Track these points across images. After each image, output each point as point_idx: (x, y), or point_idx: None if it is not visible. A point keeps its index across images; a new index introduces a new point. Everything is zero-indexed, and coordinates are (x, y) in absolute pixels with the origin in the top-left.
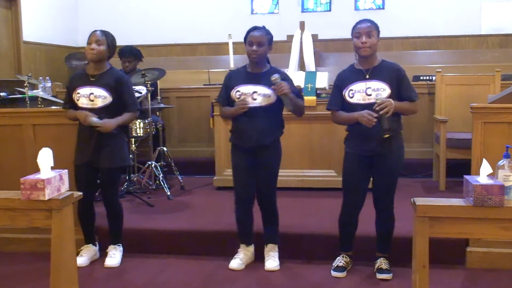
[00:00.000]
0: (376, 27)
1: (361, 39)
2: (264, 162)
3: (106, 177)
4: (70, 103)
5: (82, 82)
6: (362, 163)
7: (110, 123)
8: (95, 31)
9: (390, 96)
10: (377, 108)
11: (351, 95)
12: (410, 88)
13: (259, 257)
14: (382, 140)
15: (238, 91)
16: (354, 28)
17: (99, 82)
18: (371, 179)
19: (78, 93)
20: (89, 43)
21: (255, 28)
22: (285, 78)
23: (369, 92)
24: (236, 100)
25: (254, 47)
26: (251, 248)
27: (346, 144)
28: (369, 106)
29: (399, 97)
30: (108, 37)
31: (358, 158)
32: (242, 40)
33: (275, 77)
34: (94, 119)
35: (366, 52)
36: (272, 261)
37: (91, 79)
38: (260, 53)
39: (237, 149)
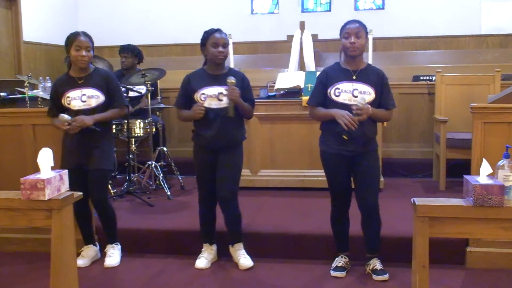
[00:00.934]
0: (364, 28)
1: (350, 39)
2: (227, 163)
3: (94, 178)
4: (55, 110)
5: (69, 86)
6: (343, 163)
7: (85, 118)
8: (79, 35)
9: (373, 100)
10: (355, 110)
11: (337, 94)
12: (390, 96)
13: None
14: (358, 144)
15: (203, 93)
16: (343, 28)
17: (89, 82)
18: (352, 179)
19: (68, 97)
20: (76, 49)
21: (216, 30)
22: (242, 79)
23: (356, 93)
24: (200, 102)
25: (221, 48)
26: (214, 247)
27: (323, 143)
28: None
29: (379, 103)
30: (91, 39)
31: (339, 158)
32: (242, 40)
33: (231, 79)
34: (64, 116)
35: (354, 53)
36: (244, 259)
37: (79, 81)
38: (226, 54)
39: (199, 149)
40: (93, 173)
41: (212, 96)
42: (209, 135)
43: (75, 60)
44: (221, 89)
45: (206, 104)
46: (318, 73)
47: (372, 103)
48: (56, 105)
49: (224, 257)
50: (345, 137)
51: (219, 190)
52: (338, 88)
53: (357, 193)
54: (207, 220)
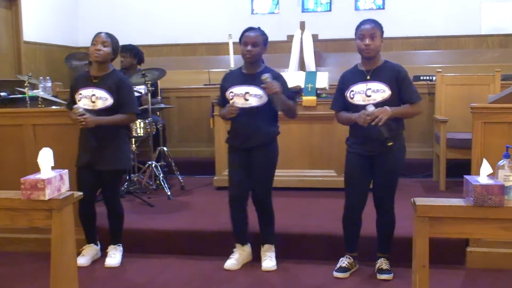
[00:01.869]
0: (380, 27)
1: (365, 41)
2: (259, 162)
3: (107, 179)
4: (72, 104)
5: (85, 83)
6: (363, 163)
7: (92, 118)
8: (100, 32)
9: (390, 97)
10: (368, 120)
11: (351, 96)
12: (411, 89)
13: (257, 257)
14: (386, 145)
15: (231, 92)
16: (357, 28)
17: (102, 84)
18: (372, 179)
19: (81, 93)
20: (94, 43)
21: (250, 29)
22: (278, 78)
23: (369, 93)
24: (230, 100)
25: (249, 47)
26: (247, 247)
27: (347, 144)
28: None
29: (400, 98)
30: (113, 40)
31: (359, 158)
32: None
33: (265, 76)
34: (78, 107)
35: (369, 54)
36: (268, 261)
37: (94, 80)
38: (255, 54)
39: (232, 149)
40: (106, 174)
41: (239, 95)
42: (238, 135)
43: (91, 54)
44: (249, 89)
45: (234, 104)
46: (318, 73)
47: (389, 100)
48: (73, 99)
49: (223, 256)
50: (389, 143)
51: (253, 191)
52: (352, 91)
53: (375, 192)
54: (237, 220)
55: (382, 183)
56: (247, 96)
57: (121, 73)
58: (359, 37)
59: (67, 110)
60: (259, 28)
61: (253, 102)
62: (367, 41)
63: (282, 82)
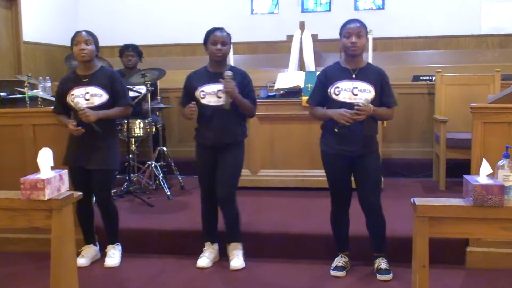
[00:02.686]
0: (365, 27)
1: (351, 39)
2: (227, 161)
3: (98, 179)
4: (60, 108)
5: (74, 83)
6: (344, 163)
7: (89, 114)
8: (79, 31)
9: (374, 99)
10: (357, 109)
11: (337, 93)
12: (391, 93)
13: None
14: (359, 144)
15: (202, 91)
16: (343, 27)
17: (93, 81)
18: (353, 179)
19: (73, 94)
20: (76, 44)
21: (216, 29)
22: (243, 75)
23: (356, 92)
24: (201, 100)
25: (219, 46)
26: (216, 246)
27: (324, 143)
28: (354, 105)
29: (380, 101)
30: (94, 36)
31: (339, 158)
32: (242, 40)
33: (227, 73)
34: (79, 102)
35: (355, 52)
36: (236, 260)
37: (84, 79)
38: (225, 52)
39: (201, 147)
40: (97, 173)
41: (211, 94)
42: (208, 133)
43: (76, 55)
44: (220, 87)
45: (205, 101)
46: (318, 73)
47: (373, 102)
48: (61, 103)
49: (225, 256)
50: (336, 130)
51: (218, 189)
52: (338, 87)
53: (360, 193)
54: (208, 219)
55: (367, 184)
56: (219, 93)
57: (110, 68)
58: (345, 36)
59: (54, 114)
60: (223, 28)
61: (224, 98)
62: (354, 39)
63: (248, 80)
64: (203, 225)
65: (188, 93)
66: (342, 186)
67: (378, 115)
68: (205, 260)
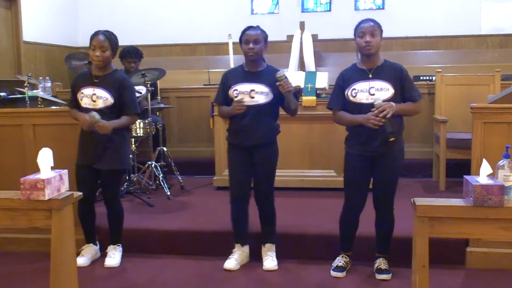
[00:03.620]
0: (379, 26)
1: (365, 38)
2: (262, 160)
3: (107, 179)
4: (74, 102)
5: (86, 82)
6: (363, 164)
7: (107, 126)
8: (98, 34)
9: (393, 96)
10: (376, 112)
11: (354, 94)
12: (412, 87)
13: (255, 257)
14: (386, 142)
15: (235, 89)
16: (357, 27)
17: (102, 83)
18: (372, 179)
19: (82, 93)
20: (92, 48)
21: (250, 27)
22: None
23: (372, 91)
24: (234, 98)
25: (251, 45)
26: (246, 248)
27: (347, 144)
28: (372, 105)
29: (402, 97)
30: (112, 40)
31: (359, 159)
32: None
33: (280, 73)
34: (95, 114)
35: (370, 51)
36: (270, 261)
37: (95, 80)
38: (257, 51)
39: (234, 148)
40: (106, 174)
41: (244, 93)
42: (240, 133)
43: (91, 59)
44: (254, 86)
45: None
46: (318, 73)
47: (392, 99)
48: (75, 98)
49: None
50: (391, 138)
51: (255, 190)
52: (354, 89)
53: (375, 193)
54: (239, 220)
55: (383, 184)
56: (252, 93)
57: (123, 73)
58: (359, 35)
59: (68, 109)
60: (258, 26)
61: (260, 99)
62: (368, 38)
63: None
64: (234, 226)
65: (225, 90)
66: (360, 187)
67: (403, 111)
68: (233, 262)
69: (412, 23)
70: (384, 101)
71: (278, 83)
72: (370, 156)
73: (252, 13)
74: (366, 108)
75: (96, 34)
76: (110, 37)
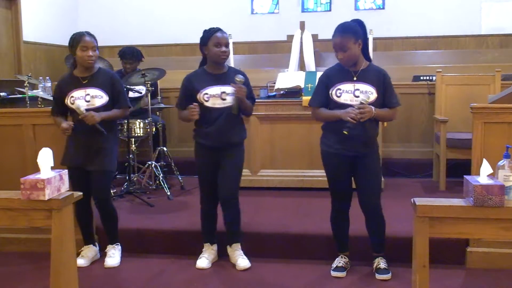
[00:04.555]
0: (351, 35)
1: (338, 55)
2: (230, 162)
3: (97, 180)
4: (57, 110)
5: (74, 85)
6: (345, 163)
7: (94, 116)
8: (84, 35)
9: (376, 100)
10: (356, 108)
11: (338, 94)
12: (392, 94)
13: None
14: (360, 144)
15: (206, 93)
16: (332, 38)
17: (93, 82)
18: (353, 180)
19: (72, 96)
20: (83, 49)
21: (218, 30)
22: (246, 78)
23: (357, 94)
24: (205, 103)
25: (224, 48)
26: (215, 246)
27: (325, 143)
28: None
29: (382, 102)
30: (96, 40)
31: (340, 158)
32: (242, 40)
33: (240, 78)
34: (79, 106)
35: (346, 65)
36: (242, 260)
37: (83, 81)
38: (228, 54)
39: (202, 148)
40: (96, 174)
41: (216, 96)
42: (212, 134)
43: (82, 60)
44: (224, 88)
45: (209, 104)
46: (318, 73)
47: (375, 103)
48: (58, 105)
49: (224, 257)
50: (345, 132)
51: (220, 190)
52: (339, 89)
53: (360, 194)
54: (208, 220)
55: (368, 184)
56: (223, 95)
57: (109, 70)
58: (334, 49)
59: (52, 117)
60: (221, 28)
61: (230, 101)
62: (340, 56)
63: (248, 81)
64: (202, 226)
65: (188, 95)
66: (343, 186)
67: (380, 116)
68: (204, 260)
69: (412, 23)
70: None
71: (233, 85)
72: (349, 155)
73: (252, 13)
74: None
75: (82, 35)
76: (94, 36)
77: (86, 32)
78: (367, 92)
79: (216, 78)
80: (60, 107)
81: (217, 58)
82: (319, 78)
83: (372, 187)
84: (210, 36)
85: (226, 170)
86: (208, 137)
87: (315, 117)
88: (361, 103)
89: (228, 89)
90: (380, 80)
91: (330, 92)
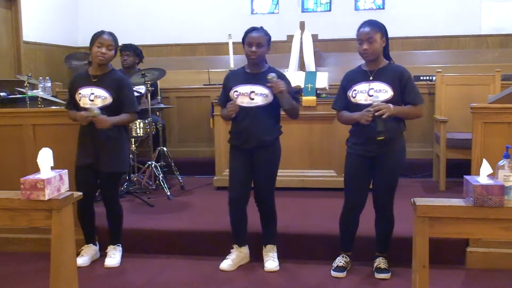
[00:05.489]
0: (379, 29)
1: (362, 46)
2: (263, 162)
3: (106, 180)
4: (72, 104)
5: (84, 82)
6: (363, 164)
7: (106, 119)
8: (104, 33)
9: (392, 98)
10: (371, 110)
11: (354, 95)
12: (414, 91)
13: (256, 258)
14: (377, 142)
15: (236, 91)
16: (357, 32)
17: (101, 83)
18: (371, 179)
19: (80, 93)
20: (98, 46)
21: (254, 29)
22: (282, 78)
23: (371, 93)
24: (234, 99)
25: (253, 48)
26: (245, 249)
27: (347, 145)
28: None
29: (403, 99)
30: (116, 41)
31: (359, 159)
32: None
33: (271, 75)
34: (94, 108)
35: (367, 58)
36: (271, 262)
37: (93, 79)
38: (259, 54)
39: (235, 150)
40: (105, 175)
41: (244, 94)
42: (240, 135)
43: (94, 56)
44: (254, 88)
45: (237, 102)
46: (318, 73)
47: (391, 101)
48: (72, 99)
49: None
50: (378, 138)
51: (256, 191)
52: (355, 90)
53: (374, 193)
54: (240, 221)
55: (382, 184)
56: (252, 95)
57: (120, 72)
58: (358, 41)
59: (66, 110)
60: (262, 28)
61: (259, 101)
62: (365, 46)
63: (287, 82)
64: (232, 228)
65: (226, 92)
66: (360, 187)
67: (401, 113)
68: (228, 262)
69: (412, 23)
70: (382, 102)
71: (269, 84)
72: (370, 156)
73: (252, 13)
74: (364, 108)
75: (102, 32)
76: (115, 38)
77: (108, 31)
78: (381, 91)
79: (249, 77)
80: (74, 102)
81: (247, 57)
82: (341, 81)
83: (387, 188)
84: (245, 36)
85: (261, 170)
86: (237, 137)
87: (339, 119)
88: (375, 101)
89: (258, 88)
90: (396, 78)
91: (348, 93)
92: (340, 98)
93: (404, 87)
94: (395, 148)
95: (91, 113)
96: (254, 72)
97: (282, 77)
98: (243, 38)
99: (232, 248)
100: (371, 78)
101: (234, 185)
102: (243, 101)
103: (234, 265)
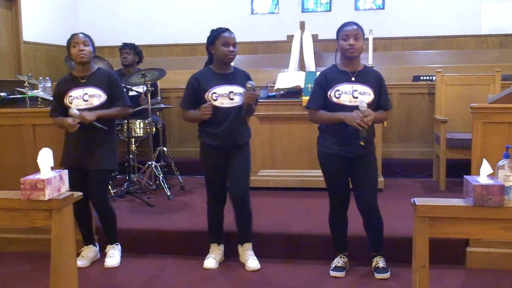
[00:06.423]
0: (362, 30)
1: (349, 41)
2: (239, 162)
3: (94, 180)
4: (58, 111)
5: (72, 85)
6: (343, 164)
7: (90, 113)
8: (75, 34)
9: (372, 102)
10: (361, 116)
11: (337, 96)
12: (387, 97)
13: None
14: (359, 145)
15: (214, 92)
16: (340, 29)
17: (91, 82)
18: (350, 180)
19: (71, 95)
20: (74, 45)
21: (226, 30)
22: (249, 78)
23: (356, 94)
24: (213, 102)
25: (231, 48)
26: (222, 247)
27: (322, 145)
28: (355, 108)
29: (377, 104)
30: (90, 38)
31: (339, 160)
32: (242, 40)
33: (251, 84)
34: (74, 110)
35: (353, 54)
36: (252, 260)
37: (82, 80)
38: (236, 54)
39: (209, 148)
40: (93, 174)
41: (224, 95)
42: (220, 135)
43: (75, 57)
44: (232, 88)
45: (217, 103)
46: (318, 73)
47: (371, 104)
48: (59, 105)
49: (231, 257)
50: (362, 143)
51: (232, 189)
52: (338, 90)
53: (357, 194)
54: (215, 220)
55: (365, 184)
56: (231, 95)
57: (107, 70)
58: (343, 38)
59: (52, 118)
60: (229, 28)
61: (238, 100)
62: (352, 41)
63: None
64: (209, 226)
65: (194, 95)
66: (341, 188)
67: (377, 119)
68: (212, 261)
69: (412, 23)
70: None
71: (244, 91)
72: (348, 157)
73: (252, 13)
74: (348, 110)
75: (73, 34)
76: (88, 35)
77: (80, 32)
78: (365, 93)
79: (224, 78)
80: (61, 108)
81: (224, 57)
82: (316, 80)
83: (369, 188)
84: (218, 36)
85: (237, 170)
86: (216, 138)
87: (314, 119)
88: (363, 106)
89: (236, 88)
90: (377, 82)
91: (328, 93)
92: (318, 97)
93: (381, 92)
94: (371, 149)
95: (76, 117)
96: (225, 72)
97: (248, 77)
98: (214, 38)
99: (210, 247)
100: (353, 79)
101: (212, 185)
102: (223, 102)
103: (217, 263)
